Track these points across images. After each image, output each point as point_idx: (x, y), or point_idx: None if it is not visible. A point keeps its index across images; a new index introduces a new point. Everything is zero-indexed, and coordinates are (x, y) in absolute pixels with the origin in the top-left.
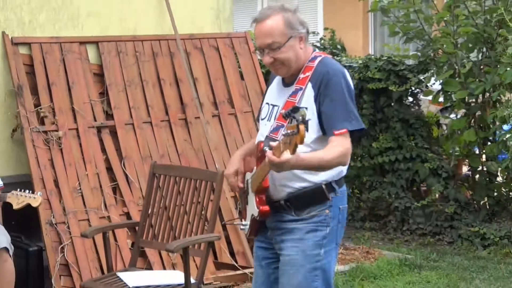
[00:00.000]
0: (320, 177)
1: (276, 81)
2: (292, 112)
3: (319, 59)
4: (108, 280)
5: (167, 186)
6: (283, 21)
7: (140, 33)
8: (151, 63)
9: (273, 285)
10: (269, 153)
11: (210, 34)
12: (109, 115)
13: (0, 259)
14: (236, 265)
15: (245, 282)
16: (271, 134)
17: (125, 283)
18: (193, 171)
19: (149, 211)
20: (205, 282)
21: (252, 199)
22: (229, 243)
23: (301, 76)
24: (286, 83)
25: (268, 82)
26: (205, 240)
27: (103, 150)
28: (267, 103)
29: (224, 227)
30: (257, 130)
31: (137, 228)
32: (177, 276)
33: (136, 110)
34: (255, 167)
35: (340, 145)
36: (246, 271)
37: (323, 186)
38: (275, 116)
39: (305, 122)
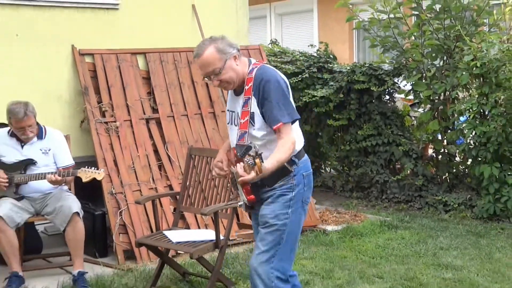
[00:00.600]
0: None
1: (230, 91)
2: (246, 151)
3: (255, 70)
4: (156, 237)
5: (200, 164)
6: (215, 50)
7: (178, 46)
8: (187, 69)
9: None
10: (242, 174)
11: None
12: (155, 110)
13: (73, 221)
14: None
15: None
16: (239, 142)
17: (169, 239)
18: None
19: (187, 184)
20: (230, 238)
21: (240, 188)
22: None
23: (246, 87)
24: (237, 92)
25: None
26: (231, 206)
27: (151, 137)
28: (228, 110)
29: None
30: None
31: (178, 197)
32: (210, 234)
33: (175, 106)
34: (238, 164)
35: (287, 141)
36: None
37: (285, 163)
38: (236, 121)
39: (259, 156)
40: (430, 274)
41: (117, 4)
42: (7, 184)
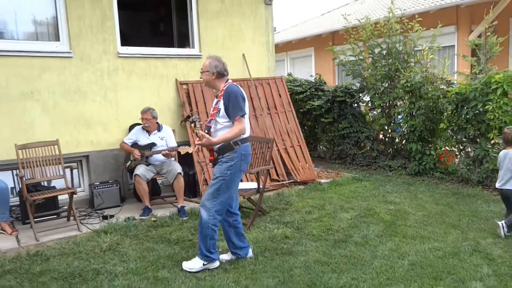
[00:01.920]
0: (231, 139)
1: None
2: (188, 118)
3: (227, 86)
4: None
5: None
6: (208, 63)
7: (235, 77)
8: None
9: None
10: (197, 142)
11: (265, 78)
12: None
13: (177, 177)
14: (279, 179)
15: (281, 188)
16: (207, 124)
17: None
18: (261, 138)
19: None
20: (265, 187)
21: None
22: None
23: (219, 94)
24: (216, 96)
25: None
26: (265, 168)
27: None
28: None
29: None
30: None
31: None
32: (253, 185)
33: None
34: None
35: (236, 127)
36: (284, 182)
37: (231, 143)
38: (211, 112)
39: (195, 123)
40: (381, 207)
41: (201, 55)
42: (140, 157)
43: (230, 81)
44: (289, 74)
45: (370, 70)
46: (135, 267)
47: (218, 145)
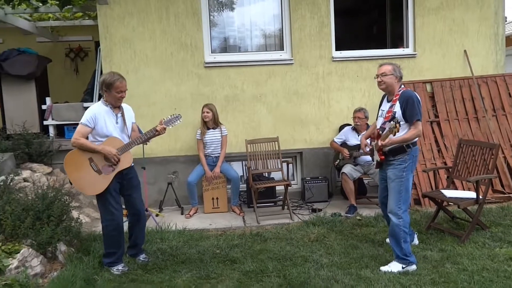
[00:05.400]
0: (409, 141)
1: (385, 98)
2: (392, 119)
3: (402, 90)
4: (435, 192)
5: (466, 149)
6: (391, 68)
7: (452, 76)
8: (458, 91)
9: (384, 192)
10: (379, 141)
11: (491, 75)
12: (436, 116)
13: None
14: (505, 191)
15: (507, 201)
16: (382, 125)
17: (444, 194)
18: (483, 143)
19: (457, 161)
20: (486, 199)
21: (376, 154)
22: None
23: (394, 98)
24: (388, 100)
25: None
26: (487, 177)
27: (433, 132)
28: (381, 109)
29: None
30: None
31: (450, 169)
32: (471, 194)
33: (450, 113)
34: (375, 140)
35: (414, 130)
36: (511, 195)
37: (404, 145)
38: (383, 115)
39: (398, 123)
40: None
41: (415, 54)
42: (348, 156)
43: (403, 86)
44: None
45: None
46: (339, 261)
47: (389, 147)
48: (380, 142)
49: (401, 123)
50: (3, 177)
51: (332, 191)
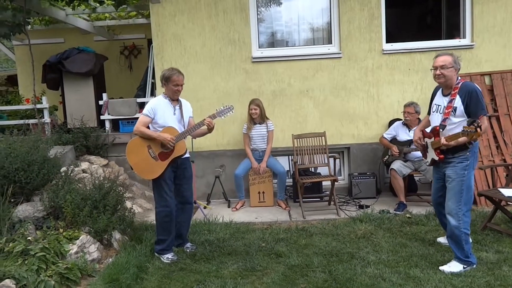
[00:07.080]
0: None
1: (439, 91)
2: (471, 122)
3: (461, 83)
4: (492, 191)
5: None
6: (452, 59)
7: (506, 68)
8: None
9: (439, 191)
10: (443, 139)
11: None
12: (495, 110)
13: None
14: None
15: None
16: (442, 122)
17: (502, 193)
18: None
19: None
20: None
21: (431, 151)
22: None
23: (452, 92)
24: (444, 93)
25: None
26: None
27: (492, 127)
28: (435, 104)
29: None
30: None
31: (510, 167)
32: None
33: (511, 108)
34: (433, 138)
35: (481, 125)
36: None
37: (467, 143)
38: (441, 111)
39: (479, 127)
40: None
41: (472, 45)
42: (398, 153)
43: (459, 78)
44: None
45: None
46: (387, 259)
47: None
48: (443, 141)
49: (459, 120)
50: (64, 168)
51: (380, 188)
